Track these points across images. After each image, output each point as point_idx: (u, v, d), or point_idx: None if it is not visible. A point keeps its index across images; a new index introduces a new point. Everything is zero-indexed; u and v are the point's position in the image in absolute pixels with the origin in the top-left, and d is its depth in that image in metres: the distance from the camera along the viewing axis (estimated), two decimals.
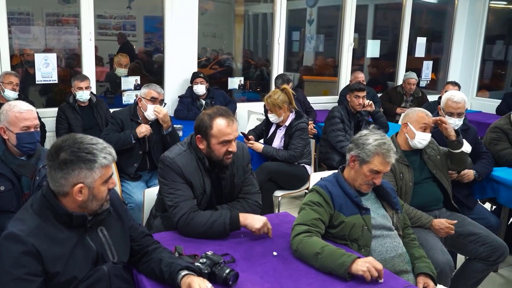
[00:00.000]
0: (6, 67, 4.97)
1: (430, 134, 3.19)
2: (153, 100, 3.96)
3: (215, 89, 5.96)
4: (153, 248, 2.12)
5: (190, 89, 5.78)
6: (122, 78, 5.89)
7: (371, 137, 2.47)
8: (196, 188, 2.57)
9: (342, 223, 2.43)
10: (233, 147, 2.54)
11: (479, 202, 3.78)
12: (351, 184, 2.53)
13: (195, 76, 5.73)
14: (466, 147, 3.27)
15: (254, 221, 2.49)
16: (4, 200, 2.61)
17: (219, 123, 2.51)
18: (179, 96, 5.84)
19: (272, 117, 4.35)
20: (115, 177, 3.82)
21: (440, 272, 2.79)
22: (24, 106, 2.67)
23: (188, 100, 5.72)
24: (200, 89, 5.65)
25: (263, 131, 4.67)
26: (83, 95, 4.81)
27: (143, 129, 3.90)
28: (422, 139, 3.17)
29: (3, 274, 1.72)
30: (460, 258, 3.53)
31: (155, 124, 4.04)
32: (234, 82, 6.74)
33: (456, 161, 3.28)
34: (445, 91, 4.69)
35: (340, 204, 2.46)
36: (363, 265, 2.06)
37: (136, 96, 5.81)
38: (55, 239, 1.81)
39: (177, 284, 1.90)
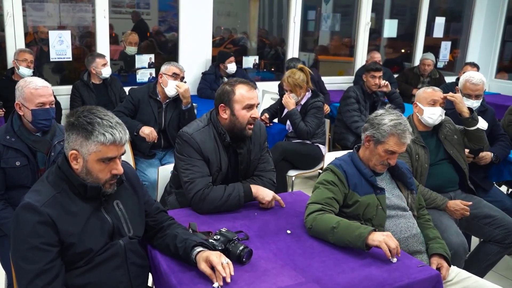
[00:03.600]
0: (21, 44, 4.99)
1: (440, 109, 3.14)
2: (175, 76, 3.99)
3: (237, 67, 5.97)
4: (168, 224, 2.13)
5: (214, 66, 5.80)
6: (136, 56, 5.90)
7: (387, 117, 2.44)
8: (212, 165, 2.58)
9: (356, 203, 2.43)
10: (255, 113, 2.59)
11: (495, 184, 3.73)
12: (366, 163, 2.51)
13: (227, 55, 5.76)
14: (482, 124, 3.22)
15: (265, 192, 2.56)
16: (19, 175, 2.63)
17: (242, 88, 2.56)
18: (202, 73, 5.87)
19: (293, 97, 4.31)
20: (130, 157, 3.85)
21: (454, 254, 2.77)
22: (39, 83, 2.67)
23: (211, 77, 5.76)
24: (234, 67, 5.70)
25: (277, 110, 4.65)
26: (107, 71, 4.89)
27: (146, 131, 3.90)
28: (431, 113, 3.13)
29: (20, 243, 1.75)
30: (475, 240, 3.51)
31: (172, 101, 4.07)
32: (249, 61, 6.70)
33: (473, 138, 3.23)
34: (463, 72, 4.61)
35: (355, 183, 2.45)
36: (380, 236, 2.06)
37: (150, 74, 5.86)
38: (70, 210, 1.82)
39: (191, 260, 1.90)
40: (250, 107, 2.56)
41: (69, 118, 1.84)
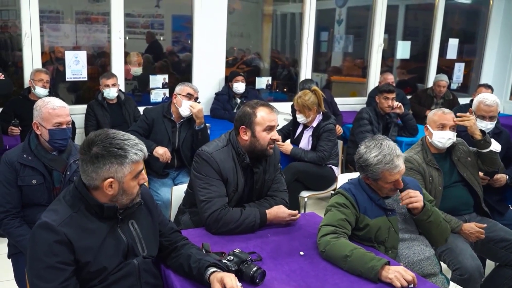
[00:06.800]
0: (37, 64, 5.08)
1: (449, 132, 3.12)
2: (189, 96, 4.02)
3: (250, 89, 6.00)
4: (182, 244, 2.14)
5: (227, 87, 5.83)
6: (150, 76, 5.95)
7: (369, 155, 2.40)
8: (230, 185, 2.60)
9: (367, 226, 2.42)
10: (276, 135, 2.62)
11: (510, 207, 3.69)
12: (374, 187, 2.49)
13: (235, 74, 5.78)
14: (495, 146, 3.20)
15: (278, 220, 2.60)
16: (35, 194, 2.66)
17: (263, 110, 2.60)
18: (215, 93, 5.90)
19: (300, 118, 4.35)
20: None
21: (469, 277, 2.75)
22: (57, 103, 2.71)
23: (224, 97, 5.77)
24: (241, 87, 5.70)
25: (290, 131, 4.66)
26: (110, 93, 4.91)
27: (160, 151, 3.94)
28: (440, 137, 3.11)
29: (36, 262, 1.76)
30: (490, 264, 3.46)
31: (186, 121, 4.10)
32: (262, 82, 6.74)
33: (487, 160, 3.21)
34: (477, 94, 4.61)
35: (365, 207, 2.45)
36: (392, 273, 2.04)
37: (164, 94, 5.91)
38: (87, 230, 1.84)
39: (205, 280, 1.91)
40: (270, 128, 2.60)
41: (90, 151, 1.82)
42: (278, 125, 2.69)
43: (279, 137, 2.66)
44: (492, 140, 3.20)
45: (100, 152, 1.81)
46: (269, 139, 2.59)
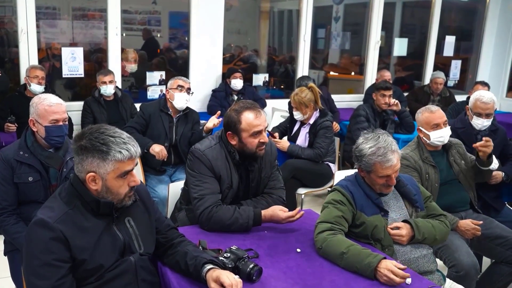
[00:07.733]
0: (34, 60, 5.06)
1: (445, 129, 3.11)
2: (180, 88, 4.04)
3: (247, 85, 5.99)
4: (178, 241, 2.14)
5: (224, 83, 5.82)
6: (147, 73, 5.94)
7: (365, 145, 2.41)
8: (223, 182, 2.59)
9: (363, 224, 2.42)
10: (264, 138, 2.58)
11: (507, 204, 3.70)
12: (368, 181, 2.49)
13: (233, 71, 5.78)
14: (494, 165, 3.21)
15: (274, 222, 2.54)
16: (32, 191, 2.65)
17: (247, 116, 2.54)
18: (212, 90, 5.89)
19: (297, 115, 4.35)
20: (140, 173, 3.87)
21: (465, 274, 2.76)
22: (53, 100, 2.70)
23: (221, 94, 5.77)
24: (239, 83, 5.69)
25: (287, 128, 4.66)
26: (107, 90, 4.90)
27: (156, 149, 3.94)
28: (439, 136, 3.11)
29: (32, 259, 1.76)
30: (486, 261, 3.47)
31: (183, 116, 4.12)
32: (259, 79, 6.74)
33: (481, 176, 3.25)
34: (474, 91, 4.61)
35: (362, 204, 2.44)
36: (382, 277, 2.03)
37: (161, 91, 5.90)
38: (83, 227, 1.83)
39: (202, 277, 1.91)
40: (257, 133, 2.55)
41: (78, 142, 1.84)
42: (267, 126, 2.64)
43: (267, 139, 2.61)
44: (493, 157, 3.20)
45: (85, 145, 1.82)
46: (257, 142, 2.56)
